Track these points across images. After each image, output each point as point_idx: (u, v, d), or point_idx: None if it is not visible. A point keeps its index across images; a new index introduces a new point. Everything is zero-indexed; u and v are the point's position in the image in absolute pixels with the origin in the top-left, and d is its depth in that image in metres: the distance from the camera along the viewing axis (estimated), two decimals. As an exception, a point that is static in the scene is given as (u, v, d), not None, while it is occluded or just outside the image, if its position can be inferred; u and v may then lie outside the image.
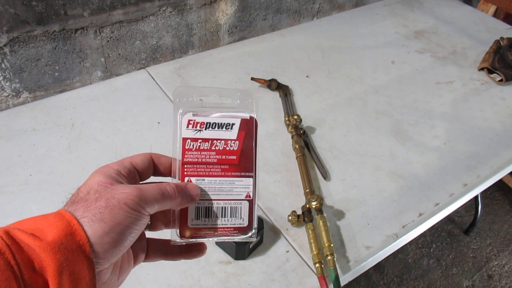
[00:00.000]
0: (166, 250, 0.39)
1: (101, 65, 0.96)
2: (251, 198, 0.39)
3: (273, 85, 0.98)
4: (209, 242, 0.39)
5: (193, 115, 0.38)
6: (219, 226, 0.38)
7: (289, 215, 0.70)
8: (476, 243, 1.66)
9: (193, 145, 0.38)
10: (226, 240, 0.39)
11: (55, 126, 0.85)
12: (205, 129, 0.38)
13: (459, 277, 1.54)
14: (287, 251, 0.67)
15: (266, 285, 0.62)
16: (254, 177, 0.39)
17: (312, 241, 0.65)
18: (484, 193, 1.80)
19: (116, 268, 0.34)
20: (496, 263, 1.59)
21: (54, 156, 0.79)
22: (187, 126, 0.38)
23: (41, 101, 0.91)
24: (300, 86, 1.02)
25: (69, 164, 0.78)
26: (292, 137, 0.84)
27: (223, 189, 0.38)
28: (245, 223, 0.39)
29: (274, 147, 0.85)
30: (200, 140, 0.38)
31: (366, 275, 1.52)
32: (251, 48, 1.14)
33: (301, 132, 0.85)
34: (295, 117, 0.87)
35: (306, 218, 0.68)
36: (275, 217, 0.72)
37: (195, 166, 0.38)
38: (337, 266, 0.63)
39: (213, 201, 0.38)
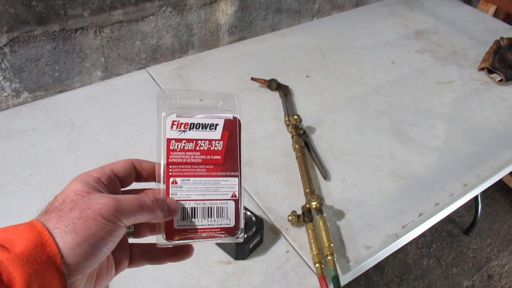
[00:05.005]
0: (151, 255, 0.38)
1: (101, 65, 0.96)
2: (237, 197, 0.39)
3: (273, 85, 0.98)
4: (196, 244, 0.39)
5: (177, 116, 0.38)
6: (205, 226, 0.38)
7: (289, 215, 0.70)
8: (476, 243, 1.66)
9: (177, 146, 0.38)
10: (213, 242, 0.39)
11: (55, 126, 0.85)
12: (189, 129, 0.39)
13: (459, 277, 1.54)
14: (287, 251, 0.67)
15: (266, 285, 0.62)
16: (239, 177, 0.39)
17: (312, 241, 0.65)
18: (484, 193, 1.80)
19: (92, 278, 0.33)
20: (496, 263, 1.59)
21: (54, 156, 0.79)
22: (171, 127, 0.38)
23: (41, 101, 0.91)
24: (300, 86, 1.02)
25: (69, 164, 0.78)
26: (292, 137, 0.84)
27: (209, 189, 0.38)
28: (232, 223, 0.39)
29: (274, 147, 0.85)
30: (185, 141, 0.38)
31: (366, 275, 1.52)
32: (251, 48, 1.14)
33: (301, 132, 0.85)
34: (295, 117, 0.87)
35: (306, 218, 0.68)
36: (275, 217, 0.72)
37: (180, 166, 0.38)
38: (337, 266, 0.63)
39: (199, 201, 0.38)
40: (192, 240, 0.38)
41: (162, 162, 0.38)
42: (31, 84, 0.89)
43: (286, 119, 0.89)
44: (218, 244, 0.66)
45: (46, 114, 0.88)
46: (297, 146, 0.81)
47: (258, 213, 0.69)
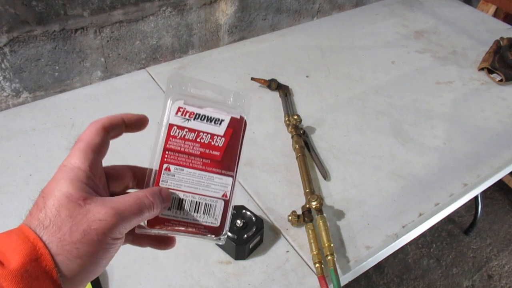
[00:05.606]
0: (133, 236, 0.37)
1: (101, 65, 0.96)
2: (228, 198, 0.38)
3: (273, 85, 0.98)
4: (176, 236, 0.37)
5: (184, 103, 0.37)
6: (189, 221, 0.37)
7: (289, 215, 0.70)
8: (476, 243, 1.66)
9: (178, 133, 0.37)
10: (193, 239, 0.37)
11: (55, 126, 0.85)
12: (194, 119, 0.37)
13: (459, 277, 1.54)
14: (287, 251, 0.67)
15: (266, 285, 0.62)
16: (234, 178, 0.38)
17: (312, 241, 0.65)
18: (484, 193, 1.80)
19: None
20: (496, 263, 1.59)
21: (54, 156, 0.79)
22: (176, 113, 0.37)
23: (41, 101, 0.91)
24: (300, 86, 1.02)
25: (69, 164, 0.78)
26: (292, 137, 0.84)
27: (201, 183, 0.37)
28: (217, 223, 0.37)
29: (274, 147, 0.85)
30: (187, 130, 0.37)
31: (366, 275, 1.52)
32: (251, 48, 1.14)
33: (301, 132, 0.85)
34: (295, 117, 0.87)
35: (306, 218, 0.68)
36: (275, 217, 0.72)
37: (176, 154, 0.37)
38: (337, 266, 0.63)
39: (188, 194, 0.37)
40: (172, 232, 0.37)
41: (159, 147, 0.37)
42: (31, 84, 0.89)
43: (286, 119, 0.89)
44: (218, 244, 0.66)
45: (46, 114, 0.88)
46: (297, 146, 0.81)
47: (258, 213, 0.69)
